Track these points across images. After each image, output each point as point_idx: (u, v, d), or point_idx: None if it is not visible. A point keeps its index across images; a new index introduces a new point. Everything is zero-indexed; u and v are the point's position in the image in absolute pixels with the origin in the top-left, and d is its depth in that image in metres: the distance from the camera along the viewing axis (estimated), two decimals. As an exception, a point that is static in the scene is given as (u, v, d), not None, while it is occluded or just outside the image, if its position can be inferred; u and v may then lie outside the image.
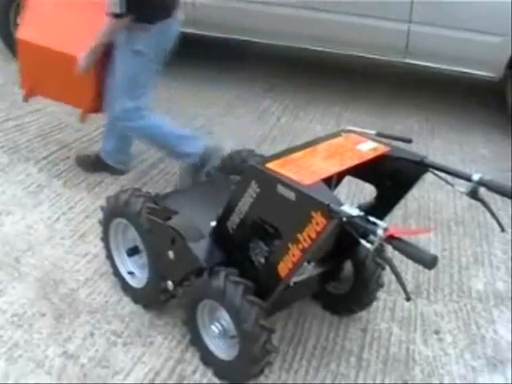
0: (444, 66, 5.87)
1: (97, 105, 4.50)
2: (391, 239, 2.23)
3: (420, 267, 2.27)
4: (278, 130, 5.73)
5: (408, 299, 2.36)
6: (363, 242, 2.31)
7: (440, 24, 5.64)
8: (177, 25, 4.19)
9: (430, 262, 2.20)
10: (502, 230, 2.85)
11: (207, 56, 7.44)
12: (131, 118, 4.20)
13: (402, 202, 3.02)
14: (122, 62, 4.07)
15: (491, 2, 5.47)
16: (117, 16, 3.74)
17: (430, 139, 5.74)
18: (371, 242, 2.28)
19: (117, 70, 4.11)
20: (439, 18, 5.63)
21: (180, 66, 7.01)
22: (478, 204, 2.77)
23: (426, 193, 4.71)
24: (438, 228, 4.37)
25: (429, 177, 2.85)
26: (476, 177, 2.68)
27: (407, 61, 5.94)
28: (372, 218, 2.30)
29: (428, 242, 4.17)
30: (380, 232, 2.23)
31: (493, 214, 2.78)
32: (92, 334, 3.21)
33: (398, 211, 4.30)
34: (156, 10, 3.93)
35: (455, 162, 5.22)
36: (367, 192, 3.09)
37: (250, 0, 6.16)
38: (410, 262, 2.26)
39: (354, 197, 4.40)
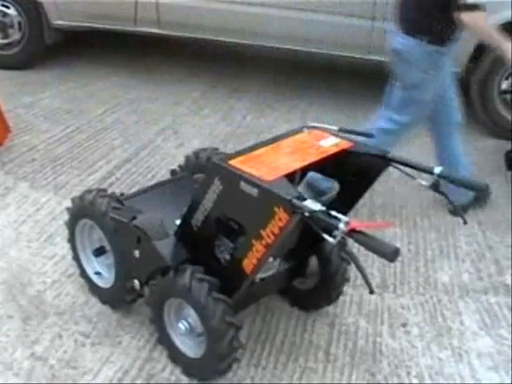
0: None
1: None
2: (353, 233, 2.25)
3: (386, 261, 2.28)
4: (243, 128, 5.75)
5: (372, 292, 2.38)
6: (326, 236, 2.32)
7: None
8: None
9: (391, 255, 2.22)
10: (465, 222, 2.88)
11: (173, 56, 7.44)
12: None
13: (368, 197, 3.05)
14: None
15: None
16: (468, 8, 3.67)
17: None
18: (334, 237, 2.29)
19: None
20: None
21: (145, 66, 7.03)
22: (443, 197, 2.81)
23: (391, 187, 4.75)
24: (404, 222, 4.41)
25: (394, 171, 2.87)
26: (437, 170, 2.71)
27: (371, 57, 5.97)
28: (334, 213, 2.31)
29: (394, 235, 4.21)
30: (342, 226, 2.24)
31: (455, 207, 2.82)
32: (60, 336, 3.20)
33: (363, 207, 4.34)
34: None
35: (420, 156, 5.25)
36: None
37: (214, -1, 6.15)
38: (376, 256, 2.29)
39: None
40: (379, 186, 3.06)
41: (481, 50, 5.61)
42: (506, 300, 3.69)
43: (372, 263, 3.81)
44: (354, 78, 7.13)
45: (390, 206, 4.62)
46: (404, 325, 3.45)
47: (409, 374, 3.13)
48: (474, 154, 5.42)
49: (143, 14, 6.26)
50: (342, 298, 3.43)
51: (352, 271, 3.26)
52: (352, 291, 3.60)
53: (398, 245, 3.79)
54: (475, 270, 3.95)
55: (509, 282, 3.86)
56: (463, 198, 4.23)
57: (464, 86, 6.01)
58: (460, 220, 2.90)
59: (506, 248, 4.20)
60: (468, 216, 3.13)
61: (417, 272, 3.89)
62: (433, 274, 3.89)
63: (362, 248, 2.28)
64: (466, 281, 3.85)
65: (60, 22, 6.53)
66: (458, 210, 2.84)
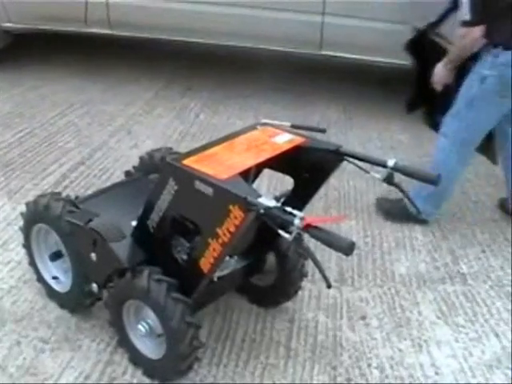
0: (358, 56, 5.95)
1: None
2: (309, 228, 2.26)
3: (343, 255, 2.30)
4: (197, 127, 5.75)
5: (329, 286, 2.39)
6: (282, 232, 2.32)
7: (353, 15, 5.71)
8: None
9: (347, 248, 2.23)
10: (419, 212, 2.91)
11: (124, 57, 7.41)
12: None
13: (323, 192, 3.07)
14: (467, 81, 3.95)
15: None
16: (466, 24, 3.63)
17: (349, 129, 5.84)
18: (290, 233, 2.30)
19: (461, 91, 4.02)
20: (352, 9, 5.70)
21: (97, 67, 6.99)
22: (397, 190, 2.83)
23: (345, 181, 4.78)
24: (359, 215, 4.44)
25: (348, 165, 2.88)
26: (391, 163, 2.73)
27: (323, 52, 6.00)
28: (289, 209, 2.32)
29: (350, 229, 4.24)
30: (297, 222, 2.25)
31: (409, 199, 2.84)
32: (19, 343, 3.16)
33: (319, 201, 4.37)
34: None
35: (374, 150, 5.31)
36: (288, 184, 3.11)
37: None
38: (333, 250, 2.30)
39: (275, 190, 4.44)
40: (334, 180, 3.08)
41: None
42: (463, 288, 3.74)
43: (329, 257, 3.83)
44: (306, 75, 7.16)
45: (345, 199, 4.64)
46: (363, 317, 3.48)
47: (369, 365, 3.15)
48: (427, 145, 5.48)
49: (93, 15, 6.22)
50: (300, 293, 3.45)
51: (310, 266, 3.27)
52: (310, 286, 3.62)
53: (354, 238, 3.84)
54: (431, 260, 3.99)
55: (464, 270, 3.91)
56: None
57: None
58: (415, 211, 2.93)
59: (460, 237, 4.25)
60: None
61: (374, 264, 3.92)
62: (390, 265, 3.92)
63: (318, 243, 2.29)
64: (423, 271, 3.89)
65: (9, 25, 6.47)
66: (412, 202, 2.86)
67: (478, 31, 3.64)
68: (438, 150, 4.14)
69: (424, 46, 5.18)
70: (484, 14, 3.59)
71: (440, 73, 4.06)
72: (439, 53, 4.30)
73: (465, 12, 3.60)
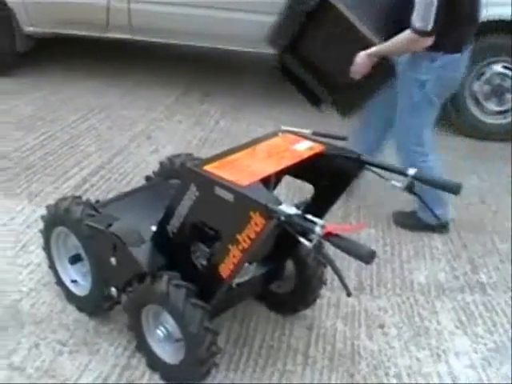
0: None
1: None
2: (329, 236, 2.26)
3: (363, 263, 2.30)
4: (217, 133, 5.75)
5: (349, 295, 2.40)
6: (302, 240, 2.33)
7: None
8: (465, 62, 4.06)
9: (367, 257, 2.23)
10: (439, 220, 2.90)
11: (145, 62, 7.43)
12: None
13: (342, 200, 3.06)
14: (405, 91, 4.00)
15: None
16: (421, 33, 3.61)
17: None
18: (310, 240, 2.30)
19: (401, 101, 4.05)
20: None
21: (118, 72, 7.01)
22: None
23: (365, 189, 4.76)
24: (379, 224, 4.43)
25: (368, 173, 2.89)
26: (411, 171, 2.73)
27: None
28: (310, 216, 2.32)
29: (369, 237, 4.23)
30: (318, 230, 2.25)
31: (428, 208, 2.84)
32: (37, 345, 3.18)
33: (338, 209, 4.36)
34: (455, 40, 3.81)
35: (393, 158, 5.29)
36: (308, 191, 3.12)
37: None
38: (352, 258, 2.30)
39: (294, 197, 4.43)
40: (353, 188, 3.09)
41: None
42: (482, 298, 3.72)
43: (348, 265, 3.82)
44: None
45: (365, 207, 4.64)
46: (381, 326, 3.47)
47: (387, 374, 3.15)
48: (447, 153, 5.46)
49: (115, 20, 6.24)
50: (319, 300, 3.45)
51: (329, 274, 3.26)
52: (329, 294, 3.61)
53: (373, 246, 3.82)
54: (451, 270, 3.98)
55: (483, 280, 3.89)
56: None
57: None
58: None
59: (480, 246, 4.23)
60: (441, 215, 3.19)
61: (393, 273, 3.91)
62: (409, 274, 3.91)
63: (337, 250, 2.29)
64: (442, 280, 3.87)
65: (32, 30, 6.51)
66: (431, 211, 2.86)
67: (430, 40, 3.65)
68: None
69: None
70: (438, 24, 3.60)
71: (363, 63, 3.96)
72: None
73: (418, 19, 3.57)
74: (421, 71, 3.87)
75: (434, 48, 3.70)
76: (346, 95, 4.32)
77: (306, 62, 4.42)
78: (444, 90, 4.04)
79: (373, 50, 3.89)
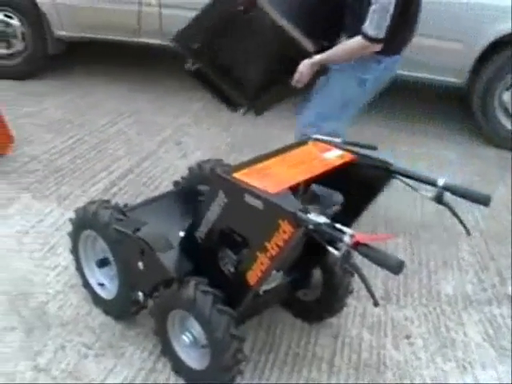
0: (409, 73, 5.92)
1: None
2: (358, 246, 2.25)
3: (389, 273, 2.29)
4: (246, 139, 5.75)
5: (376, 305, 2.39)
6: (331, 249, 2.32)
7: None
8: (398, 64, 4.05)
9: (396, 267, 2.23)
10: (468, 233, 2.88)
11: (174, 67, 7.44)
12: None
13: (370, 209, 3.04)
14: (341, 84, 3.94)
15: (454, 8, 5.55)
16: (374, 40, 3.59)
17: (397, 145, 5.78)
18: (338, 249, 2.29)
19: (329, 91, 3.97)
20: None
21: (147, 77, 7.04)
22: (446, 208, 2.80)
23: (393, 199, 4.74)
24: (406, 233, 4.41)
25: (396, 182, 2.87)
26: (441, 182, 2.71)
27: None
28: (338, 225, 2.32)
29: (396, 247, 4.21)
30: (346, 239, 2.25)
31: (458, 218, 2.81)
32: (63, 347, 3.20)
33: (366, 218, 4.33)
34: (399, 43, 3.82)
35: (422, 168, 5.26)
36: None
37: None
38: (379, 268, 2.29)
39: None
40: (382, 197, 3.07)
41: (482, 62, 5.64)
42: (509, 311, 3.69)
43: (375, 275, 3.80)
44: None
45: (393, 217, 4.62)
46: (408, 336, 3.45)
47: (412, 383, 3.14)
48: (476, 163, 5.45)
49: (146, 25, 6.26)
50: (345, 309, 3.43)
51: (355, 283, 3.25)
52: (356, 303, 3.60)
53: (400, 256, 3.78)
54: (478, 281, 3.95)
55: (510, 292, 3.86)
56: None
57: (466, 96, 6.07)
58: (462, 230, 2.90)
59: (508, 258, 4.20)
60: (470, 227, 3.14)
61: (420, 283, 3.89)
62: (436, 285, 3.89)
63: (364, 259, 2.28)
64: (470, 292, 3.84)
65: (63, 33, 6.55)
66: (462, 223, 2.83)
67: (380, 46, 3.62)
68: None
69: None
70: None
71: (306, 72, 3.86)
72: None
73: (372, 27, 3.52)
74: (365, 71, 3.84)
75: (381, 51, 3.69)
76: (262, 96, 4.26)
77: (219, 65, 4.26)
78: (377, 89, 4.05)
79: (317, 58, 3.81)
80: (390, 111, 6.53)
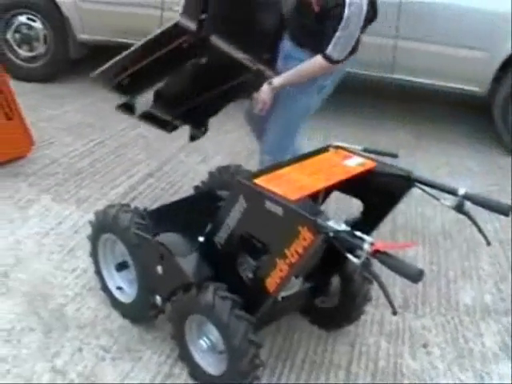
0: (431, 81, 5.92)
1: None
2: (377, 254, 2.25)
3: (408, 281, 2.28)
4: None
5: (395, 313, 2.38)
6: (350, 256, 2.32)
7: (426, 39, 5.68)
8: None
9: (415, 276, 2.22)
10: (488, 243, 2.87)
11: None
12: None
13: (390, 217, 3.04)
14: (303, 97, 3.90)
15: (476, 17, 5.54)
16: (336, 62, 3.59)
17: (417, 153, 5.79)
18: (358, 257, 2.29)
19: (290, 107, 3.92)
20: (425, 34, 5.68)
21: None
22: (465, 218, 2.79)
23: (413, 207, 4.74)
24: (426, 242, 4.40)
25: (416, 191, 2.87)
26: (462, 191, 2.71)
27: (395, 76, 5.98)
28: (358, 233, 2.32)
29: (415, 255, 4.19)
30: (366, 247, 2.24)
31: (479, 228, 2.80)
32: (80, 349, 3.20)
33: (385, 226, 4.33)
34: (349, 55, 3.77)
35: (442, 176, 5.25)
36: (355, 207, 3.11)
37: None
38: (397, 276, 2.28)
39: (341, 212, 4.41)
40: (401, 205, 3.07)
41: (504, 71, 5.62)
42: (528, 322, 3.68)
43: (393, 283, 3.78)
44: (378, 98, 7.14)
45: (412, 225, 4.61)
46: (425, 345, 3.43)
47: (430, 394, 3.13)
48: (496, 172, 5.42)
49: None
50: (363, 317, 3.42)
51: (373, 290, 3.25)
52: (373, 310, 3.59)
53: (419, 264, 3.80)
54: (497, 291, 3.93)
55: (530, 303, 3.84)
56: None
57: (487, 105, 6.04)
58: (482, 240, 2.89)
59: (528, 269, 4.18)
60: (490, 236, 3.12)
61: (438, 292, 3.87)
62: (454, 294, 3.87)
63: (383, 267, 2.28)
64: (488, 302, 3.82)
65: (85, 37, 6.59)
66: (482, 232, 2.82)
67: (335, 68, 3.66)
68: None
69: None
70: None
71: (267, 97, 3.76)
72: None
73: (337, 51, 3.51)
74: (326, 77, 3.84)
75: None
76: (199, 114, 4.20)
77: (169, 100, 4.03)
78: (328, 94, 4.08)
79: (277, 82, 3.72)
80: (409, 119, 6.52)
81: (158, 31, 3.37)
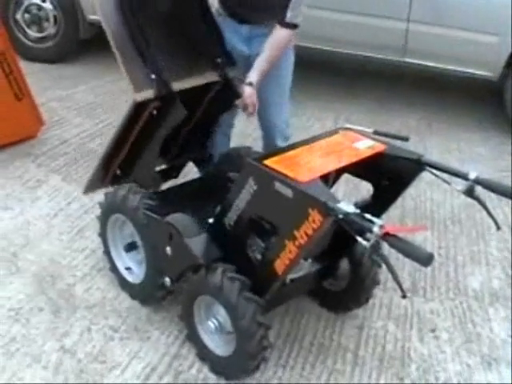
0: (442, 66, 5.89)
1: None
2: (387, 236, 2.24)
3: (416, 265, 2.27)
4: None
5: (404, 296, 2.38)
6: (359, 239, 2.31)
7: (438, 23, 5.65)
8: None
9: (425, 260, 2.21)
10: (498, 228, 2.86)
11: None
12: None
13: (399, 201, 3.03)
14: (290, 64, 3.92)
15: (489, 1, 5.51)
16: (297, 27, 3.54)
17: (428, 137, 5.77)
18: (367, 240, 2.28)
19: (283, 79, 3.91)
20: (437, 17, 5.64)
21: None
22: (475, 202, 2.77)
23: (422, 191, 4.72)
24: (435, 226, 4.38)
25: (426, 175, 2.85)
26: (472, 175, 2.69)
27: (406, 60, 5.95)
28: (368, 216, 2.31)
29: (424, 240, 4.18)
30: (376, 229, 2.23)
31: (489, 213, 2.79)
32: (89, 329, 3.22)
33: (395, 209, 4.31)
34: None
35: (452, 161, 5.23)
36: (364, 190, 3.10)
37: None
38: (406, 259, 2.28)
39: (350, 195, 4.41)
40: (410, 189, 3.05)
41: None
42: (537, 308, 3.67)
43: (402, 266, 3.79)
44: (388, 80, 7.11)
45: (422, 209, 4.59)
46: (433, 330, 3.43)
47: (437, 379, 3.12)
48: (506, 158, 5.40)
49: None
50: (371, 300, 3.42)
51: (382, 274, 3.25)
52: (382, 294, 3.59)
53: (428, 249, 3.78)
54: (506, 277, 3.91)
55: (539, 289, 3.83)
56: None
57: (498, 90, 6.01)
58: (491, 225, 2.88)
59: (537, 255, 4.17)
60: (499, 221, 3.09)
61: (447, 277, 3.86)
62: (463, 279, 3.86)
63: (392, 251, 2.27)
64: (497, 287, 3.81)
65: (95, 17, 6.55)
66: (492, 217, 2.81)
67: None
68: None
69: None
70: None
71: (255, 98, 3.55)
72: None
73: (295, 16, 3.47)
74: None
75: None
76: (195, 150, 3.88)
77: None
78: None
79: (255, 79, 3.53)
80: (420, 103, 6.50)
81: (124, 118, 3.34)
